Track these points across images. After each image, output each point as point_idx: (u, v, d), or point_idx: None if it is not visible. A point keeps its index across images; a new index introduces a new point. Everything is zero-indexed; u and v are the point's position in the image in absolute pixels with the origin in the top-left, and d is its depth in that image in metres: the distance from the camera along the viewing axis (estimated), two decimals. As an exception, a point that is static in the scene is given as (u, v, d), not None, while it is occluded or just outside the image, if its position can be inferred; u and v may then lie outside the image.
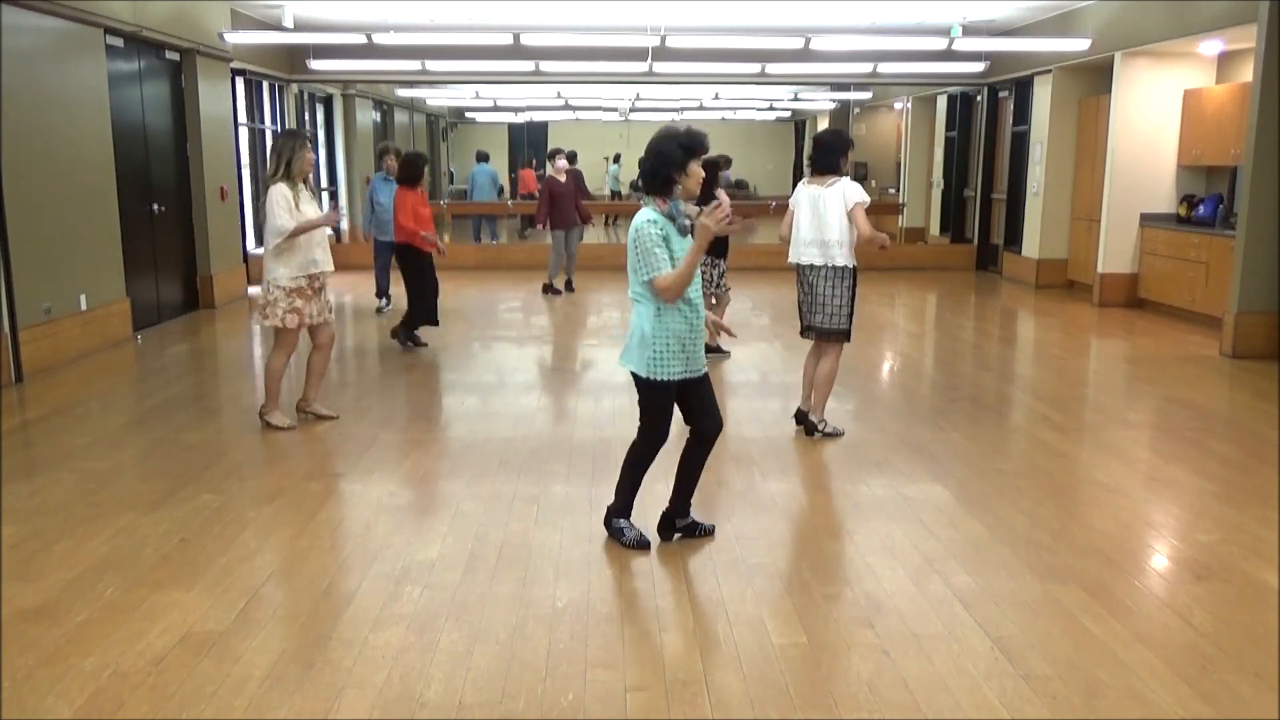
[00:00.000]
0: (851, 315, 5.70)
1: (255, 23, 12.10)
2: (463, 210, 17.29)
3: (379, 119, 18.66)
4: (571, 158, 12.00)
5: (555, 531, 4.35)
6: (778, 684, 3.09)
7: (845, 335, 5.73)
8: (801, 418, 5.93)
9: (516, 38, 11.33)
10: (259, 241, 13.01)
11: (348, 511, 4.61)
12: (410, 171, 8.44)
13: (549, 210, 11.54)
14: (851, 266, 5.60)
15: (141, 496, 4.75)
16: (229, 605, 3.60)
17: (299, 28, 12.36)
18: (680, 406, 4.09)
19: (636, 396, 4.09)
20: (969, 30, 12.23)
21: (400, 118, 20.30)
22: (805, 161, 5.79)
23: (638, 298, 3.96)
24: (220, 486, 4.91)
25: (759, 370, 7.96)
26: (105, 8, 8.39)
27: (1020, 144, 13.11)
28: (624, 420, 6.25)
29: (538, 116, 24.85)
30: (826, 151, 5.63)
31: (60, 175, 7.84)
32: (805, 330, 5.85)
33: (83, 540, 4.21)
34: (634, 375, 4.01)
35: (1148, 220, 10.69)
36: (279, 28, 12.21)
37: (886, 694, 3.04)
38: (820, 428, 5.83)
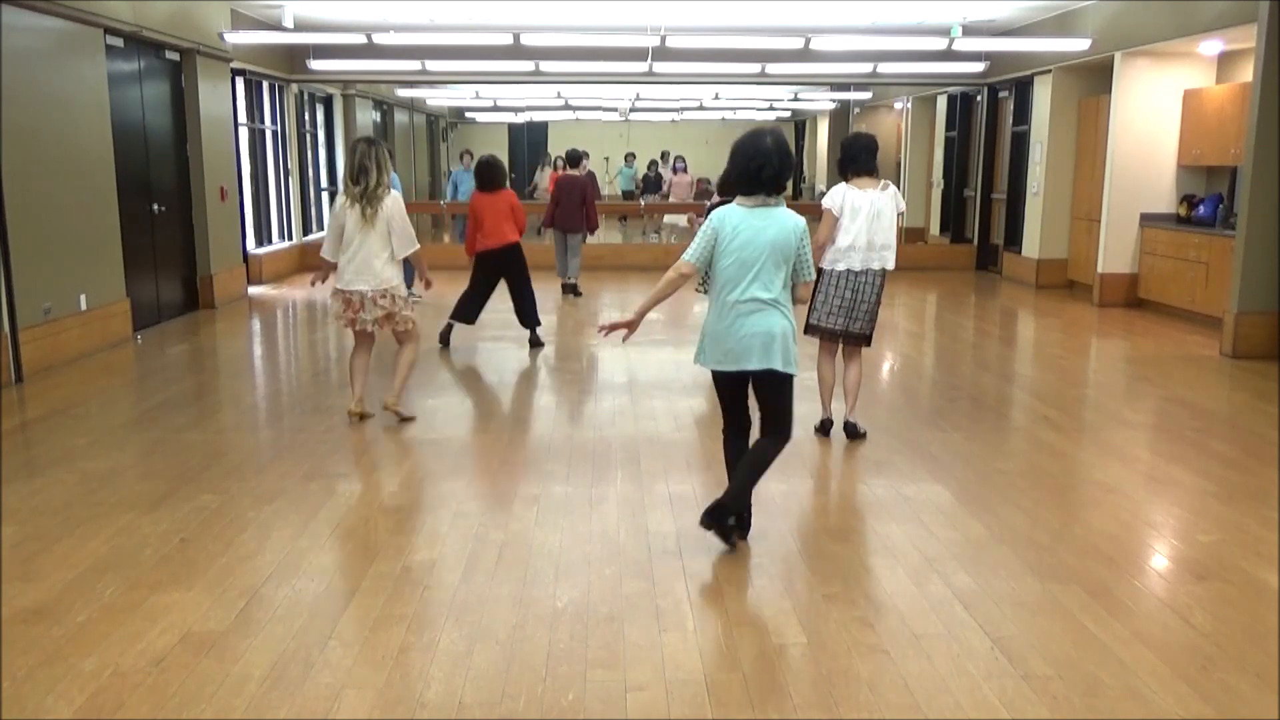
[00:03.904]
0: None
1: (255, 23, 12.10)
2: (460, 211, 17.27)
3: (379, 119, 18.66)
4: (574, 159, 11.89)
5: (555, 531, 4.35)
6: (778, 684, 3.09)
7: (870, 339, 5.85)
8: (828, 427, 5.84)
9: (516, 38, 11.33)
10: (259, 241, 13.04)
11: (348, 511, 4.61)
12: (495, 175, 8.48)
13: (551, 211, 11.57)
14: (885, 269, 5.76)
15: (141, 496, 4.75)
16: (229, 605, 3.60)
17: (299, 28, 12.36)
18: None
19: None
20: (969, 30, 12.22)
21: (400, 118, 20.30)
22: (839, 166, 5.82)
23: (782, 303, 3.98)
24: (220, 486, 4.91)
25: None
26: (105, 8, 8.39)
27: (1020, 144, 13.11)
28: (624, 420, 6.25)
29: (538, 116, 24.86)
30: (868, 154, 5.69)
31: (60, 175, 7.84)
32: (834, 335, 5.78)
33: (83, 540, 4.20)
34: None
35: (1148, 220, 10.69)
36: (279, 28, 12.20)
37: (886, 694, 3.04)
38: (859, 428, 5.81)
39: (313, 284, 6.59)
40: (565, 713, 2.93)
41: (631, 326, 4.13)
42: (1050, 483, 5.11)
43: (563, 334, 9.55)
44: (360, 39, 11.18)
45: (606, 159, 24.07)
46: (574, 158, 11.84)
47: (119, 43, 8.87)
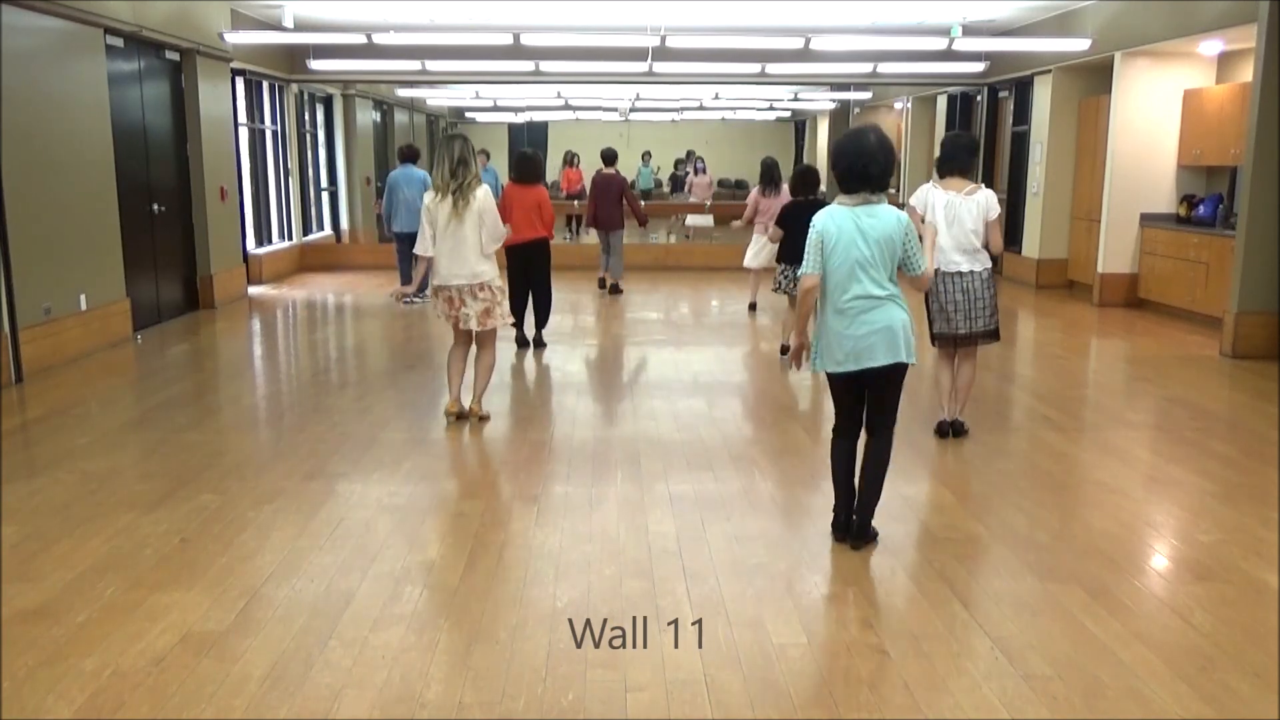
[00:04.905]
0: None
1: (255, 23, 12.10)
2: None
3: (379, 119, 18.66)
4: (609, 158, 11.81)
5: (555, 531, 4.35)
6: (778, 684, 3.09)
7: (998, 333, 5.81)
8: (946, 429, 5.83)
9: (516, 38, 11.33)
10: (259, 241, 13.05)
11: (348, 511, 4.61)
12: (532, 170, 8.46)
13: (592, 210, 11.64)
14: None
15: (141, 496, 4.75)
16: (229, 605, 3.60)
17: (299, 28, 12.36)
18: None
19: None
20: (969, 30, 12.22)
21: (400, 118, 20.31)
22: (937, 164, 5.81)
23: (897, 296, 4.00)
24: (220, 486, 4.91)
25: (759, 370, 7.95)
26: (105, 8, 8.39)
27: (1020, 144, 13.11)
28: (624, 420, 6.25)
29: (538, 116, 24.86)
30: (964, 153, 5.65)
31: (60, 175, 7.84)
32: (948, 338, 5.75)
33: (83, 540, 4.20)
34: None
35: (1148, 220, 10.69)
36: (279, 28, 12.20)
37: (886, 694, 3.04)
38: (965, 428, 5.85)
39: (401, 299, 6.80)
40: (565, 713, 2.93)
41: (802, 349, 4.32)
42: (1050, 483, 5.11)
43: (564, 335, 9.54)
44: (360, 39, 11.17)
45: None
46: (609, 156, 11.76)
47: (119, 43, 8.87)
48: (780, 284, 7.94)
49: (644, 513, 4.57)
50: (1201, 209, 10.10)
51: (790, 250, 7.55)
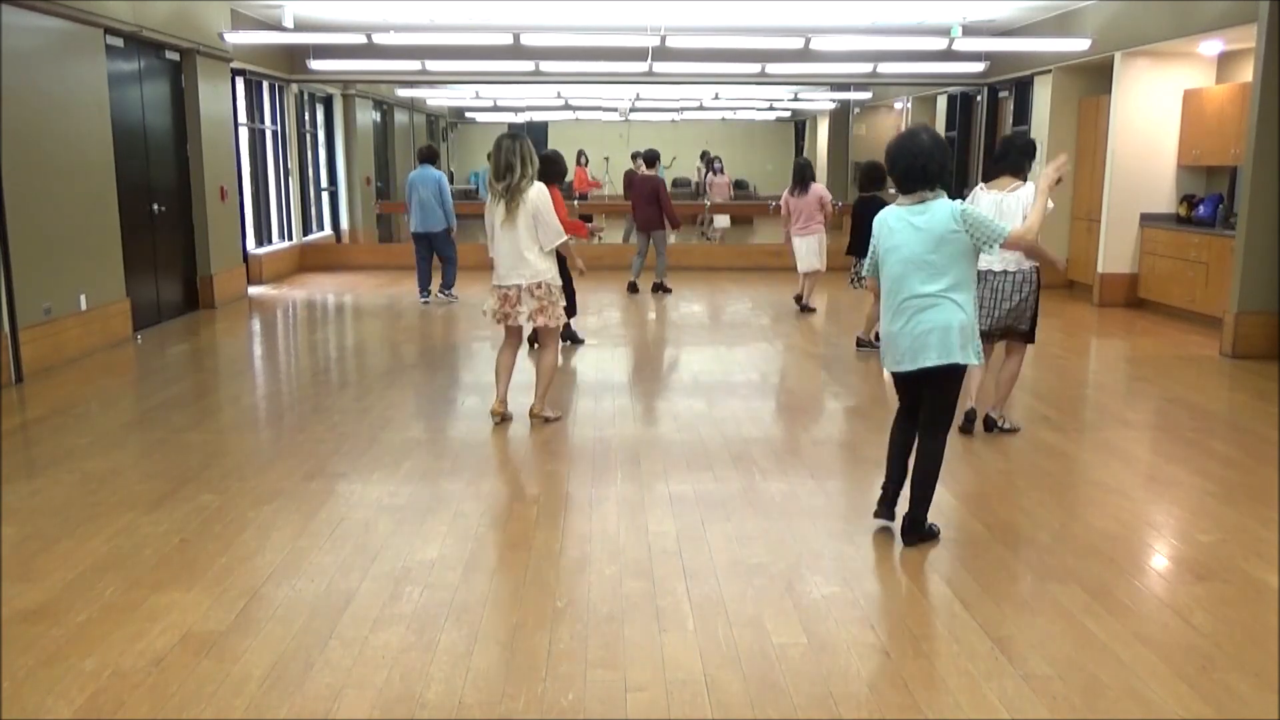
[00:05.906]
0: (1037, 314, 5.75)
1: (255, 23, 12.11)
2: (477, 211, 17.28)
3: (379, 119, 18.66)
4: (650, 159, 11.81)
5: (555, 531, 4.35)
6: (778, 684, 3.09)
7: (1033, 335, 5.82)
8: (972, 416, 5.86)
9: (516, 38, 11.33)
10: (259, 241, 13.05)
11: (348, 511, 4.61)
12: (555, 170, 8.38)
13: (635, 207, 11.78)
14: (1036, 267, 5.64)
15: (141, 496, 4.75)
16: (229, 605, 3.60)
17: (299, 28, 12.36)
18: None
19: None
20: (969, 30, 12.22)
21: (400, 118, 20.30)
22: (991, 164, 5.84)
23: (953, 295, 3.99)
24: (220, 486, 4.91)
25: (759, 370, 7.95)
26: (105, 8, 8.39)
27: (1020, 144, 13.10)
28: (624, 420, 6.25)
29: (538, 116, 24.87)
30: (1015, 153, 5.63)
31: (60, 175, 7.84)
32: (992, 334, 5.77)
33: (83, 540, 4.20)
34: None
35: (1148, 220, 10.69)
36: (279, 28, 12.21)
37: (886, 694, 3.04)
38: (1000, 424, 5.86)
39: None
40: (565, 713, 2.93)
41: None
42: (1050, 483, 5.11)
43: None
44: (360, 39, 11.17)
45: (607, 159, 24.08)
46: (650, 158, 11.80)
47: (119, 43, 8.87)
48: (853, 279, 8.10)
49: (644, 512, 4.58)
50: (1201, 209, 10.10)
51: (859, 244, 7.91)
